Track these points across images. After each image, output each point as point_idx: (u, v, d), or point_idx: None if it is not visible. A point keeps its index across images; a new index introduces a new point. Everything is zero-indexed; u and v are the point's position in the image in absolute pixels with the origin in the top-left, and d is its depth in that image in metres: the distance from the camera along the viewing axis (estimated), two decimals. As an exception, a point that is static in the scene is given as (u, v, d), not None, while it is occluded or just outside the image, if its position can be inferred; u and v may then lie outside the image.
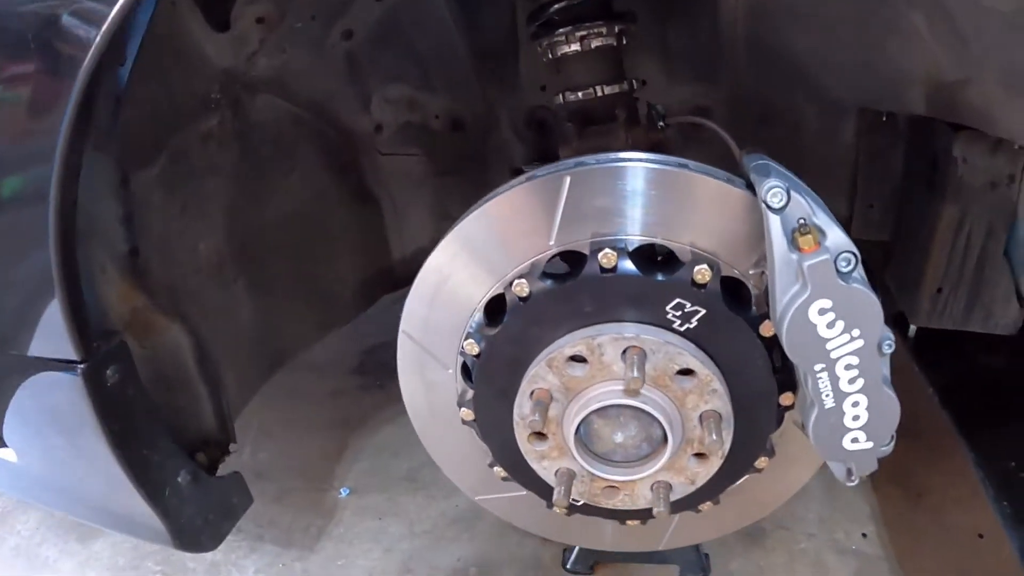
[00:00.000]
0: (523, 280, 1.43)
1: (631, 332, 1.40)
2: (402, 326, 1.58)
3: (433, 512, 2.45)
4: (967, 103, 1.65)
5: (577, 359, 1.43)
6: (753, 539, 2.32)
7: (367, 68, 1.98)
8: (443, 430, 1.67)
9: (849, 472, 1.49)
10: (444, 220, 2.23)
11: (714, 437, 1.41)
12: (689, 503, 1.60)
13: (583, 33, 1.66)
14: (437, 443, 1.70)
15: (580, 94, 1.70)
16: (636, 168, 1.40)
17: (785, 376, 1.47)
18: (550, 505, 1.69)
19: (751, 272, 1.42)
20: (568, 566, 2.27)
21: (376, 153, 2.19)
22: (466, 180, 2.22)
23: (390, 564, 2.29)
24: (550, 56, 1.71)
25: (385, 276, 2.31)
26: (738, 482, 1.61)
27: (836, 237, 1.31)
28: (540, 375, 1.45)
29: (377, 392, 2.87)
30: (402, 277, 2.33)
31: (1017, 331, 1.95)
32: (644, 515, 1.65)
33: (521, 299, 1.45)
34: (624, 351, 1.40)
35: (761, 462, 1.58)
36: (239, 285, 1.92)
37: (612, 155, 1.44)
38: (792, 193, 1.30)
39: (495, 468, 1.66)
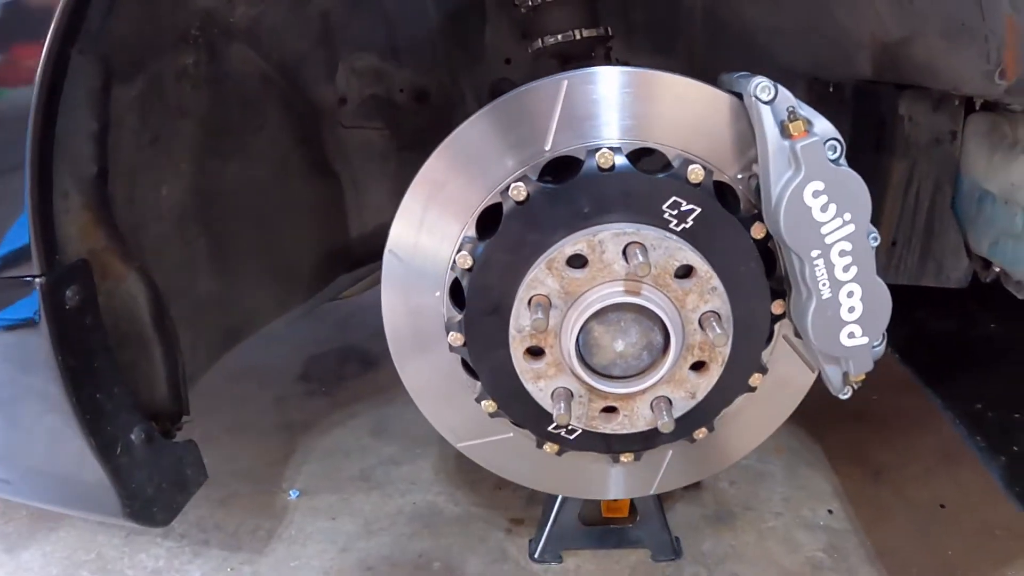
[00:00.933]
0: (520, 183, 1.44)
1: (632, 228, 1.42)
2: (388, 245, 1.54)
3: (390, 510, 2.33)
4: (911, 59, 1.79)
5: (577, 260, 1.43)
6: (721, 521, 2.31)
7: (339, 31, 2.00)
8: (427, 364, 1.62)
9: (845, 376, 1.52)
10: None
11: (718, 330, 1.41)
12: (686, 427, 1.58)
13: (565, -22, 1.75)
14: (419, 379, 1.63)
15: (560, 36, 1.76)
16: (631, 75, 1.45)
17: (775, 284, 1.51)
18: (541, 443, 1.65)
19: (739, 176, 1.47)
20: (536, 556, 2.19)
21: (339, 126, 2.19)
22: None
23: (347, 563, 2.16)
24: (530, 3, 1.78)
25: (343, 254, 2.26)
26: (734, 402, 1.61)
27: (822, 125, 1.38)
28: (539, 279, 1.44)
29: (323, 398, 2.77)
30: (359, 256, 2.28)
31: (967, 284, 2.06)
32: (641, 443, 1.62)
33: (518, 203, 1.45)
34: (625, 247, 1.41)
35: (755, 379, 1.59)
36: (200, 244, 1.85)
37: (608, 65, 1.49)
38: (778, 87, 1.38)
39: (483, 403, 1.60)
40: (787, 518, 2.32)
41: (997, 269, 1.93)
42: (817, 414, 2.45)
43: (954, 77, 1.71)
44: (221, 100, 1.81)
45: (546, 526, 2.18)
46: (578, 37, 1.76)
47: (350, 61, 2.11)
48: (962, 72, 1.67)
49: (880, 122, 2.05)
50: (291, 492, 2.39)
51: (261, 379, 2.88)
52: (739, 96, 1.43)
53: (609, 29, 1.82)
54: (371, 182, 2.24)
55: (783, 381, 1.63)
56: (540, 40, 1.79)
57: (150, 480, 1.63)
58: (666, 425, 1.47)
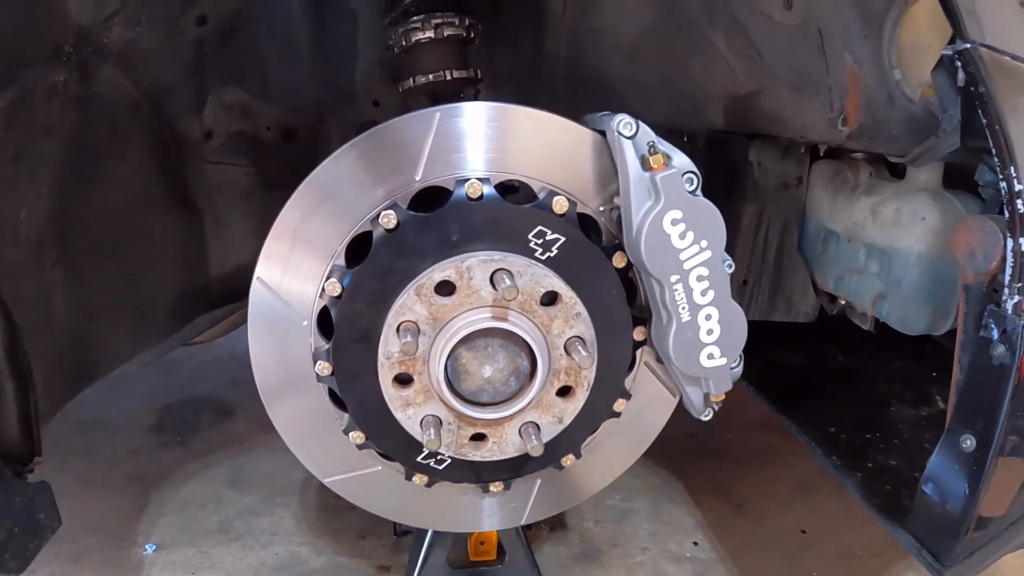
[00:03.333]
0: (390, 211, 1.47)
1: (499, 255, 1.47)
2: (257, 272, 1.53)
3: (252, 562, 2.25)
4: (761, 110, 1.96)
5: (445, 287, 1.47)
6: (589, 559, 2.36)
7: (211, 63, 1.99)
8: (293, 396, 1.60)
9: (706, 398, 1.61)
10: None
11: (584, 353, 1.48)
12: (554, 453, 1.62)
13: (438, 21, 1.82)
14: (286, 412, 1.61)
15: (431, 76, 1.82)
16: (501, 110, 1.52)
17: (637, 312, 1.59)
18: (410, 475, 1.65)
19: (601, 209, 1.56)
20: (407, 598, 2.16)
21: (204, 161, 2.15)
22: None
23: (208, 617, 2.06)
24: (404, 43, 1.84)
25: (201, 293, 2.20)
26: (599, 429, 1.67)
27: (680, 159, 1.49)
28: (408, 305, 1.47)
29: (177, 448, 2.65)
30: (218, 296, 2.23)
31: (815, 318, 2.23)
32: (511, 470, 1.65)
33: (388, 231, 1.48)
34: (492, 274, 1.46)
35: (619, 404, 1.66)
36: (56, 274, 1.77)
37: (479, 101, 1.55)
38: (639, 124, 1.48)
39: (351, 434, 1.60)
40: (654, 552, 2.39)
41: (843, 302, 2.10)
42: (678, 453, 2.57)
43: (800, 126, 1.87)
44: (88, 123, 1.76)
45: (414, 572, 2.16)
46: (448, 78, 1.83)
47: (219, 94, 2.10)
48: (808, 121, 1.84)
49: (731, 169, 2.22)
50: (147, 547, 2.27)
51: (113, 430, 2.74)
52: (602, 133, 1.53)
53: (478, 72, 1.91)
54: (233, 220, 2.20)
55: (645, 407, 1.71)
56: (412, 80, 1.85)
57: (1, 524, 1.54)
58: (536, 448, 1.51)
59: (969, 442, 1.42)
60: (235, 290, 2.28)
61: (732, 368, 1.58)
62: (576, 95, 2.25)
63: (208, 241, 2.19)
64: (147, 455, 2.66)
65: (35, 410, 1.67)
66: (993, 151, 1.32)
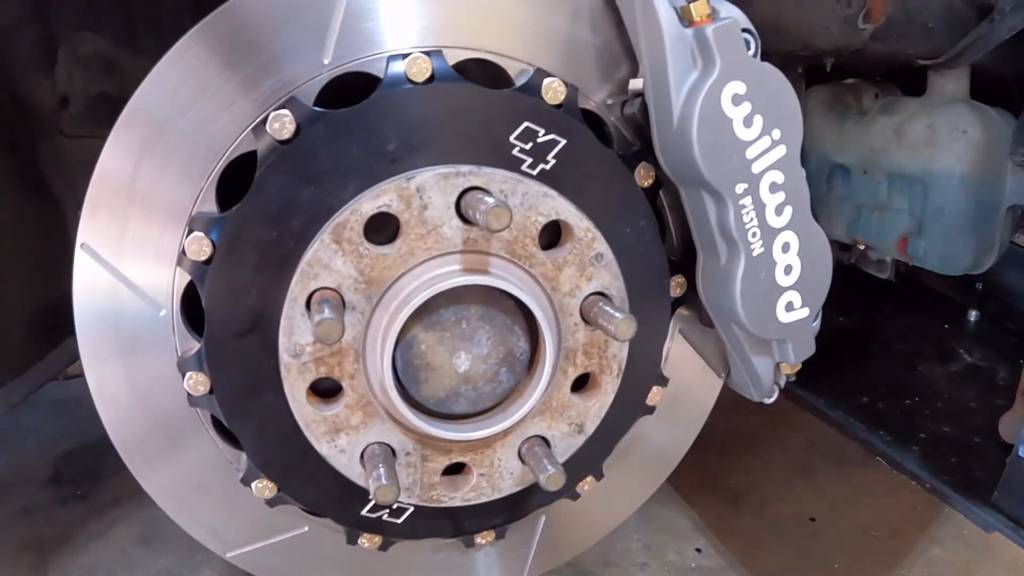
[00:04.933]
0: (284, 112, 0.71)
1: (466, 167, 0.72)
2: (80, 238, 0.75)
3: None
4: (752, 19, 1.28)
5: (383, 224, 0.71)
6: (584, 583, 1.60)
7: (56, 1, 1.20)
8: (160, 432, 0.80)
9: (777, 370, 0.89)
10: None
11: (619, 316, 0.74)
12: (570, 479, 0.86)
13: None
14: (151, 459, 0.81)
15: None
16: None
17: (671, 255, 0.87)
18: (354, 536, 0.87)
19: (609, 103, 0.83)
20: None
21: (59, 136, 1.34)
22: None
23: None
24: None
25: (69, 306, 1.38)
26: (629, 430, 0.92)
27: (731, 10, 0.79)
28: (322, 262, 0.70)
29: (78, 504, 1.79)
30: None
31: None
32: (506, 512, 0.88)
33: (282, 142, 0.71)
34: (460, 197, 0.71)
35: (654, 395, 0.91)
36: None
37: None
38: (665, -41, 0.77)
39: (255, 484, 0.81)
40: (654, 567, 1.65)
41: (862, 247, 1.43)
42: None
43: (806, 32, 1.20)
44: None
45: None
46: None
47: (73, 45, 1.29)
48: (816, 23, 1.17)
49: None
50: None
51: (3, 487, 1.85)
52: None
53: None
54: None
55: (679, 396, 0.98)
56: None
57: None
58: (552, 479, 0.76)
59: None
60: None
61: (815, 320, 0.88)
62: None
63: (72, 237, 1.36)
64: (44, 514, 1.78)
65: None
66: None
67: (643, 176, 0.82)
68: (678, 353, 0.95)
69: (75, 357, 1.49)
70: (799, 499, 1.84)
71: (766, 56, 1.38)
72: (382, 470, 0.72)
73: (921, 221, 1.31)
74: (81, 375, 1.55)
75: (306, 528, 0.88)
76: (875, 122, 1.37)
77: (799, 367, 0.92)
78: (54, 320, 1.37)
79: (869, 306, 1.75)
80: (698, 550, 1.72)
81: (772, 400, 0.94)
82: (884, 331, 1.66)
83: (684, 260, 0.87)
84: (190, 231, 0.73)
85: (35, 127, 1.34)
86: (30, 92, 1.32)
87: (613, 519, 1.04)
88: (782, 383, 0.93)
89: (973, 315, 1.68)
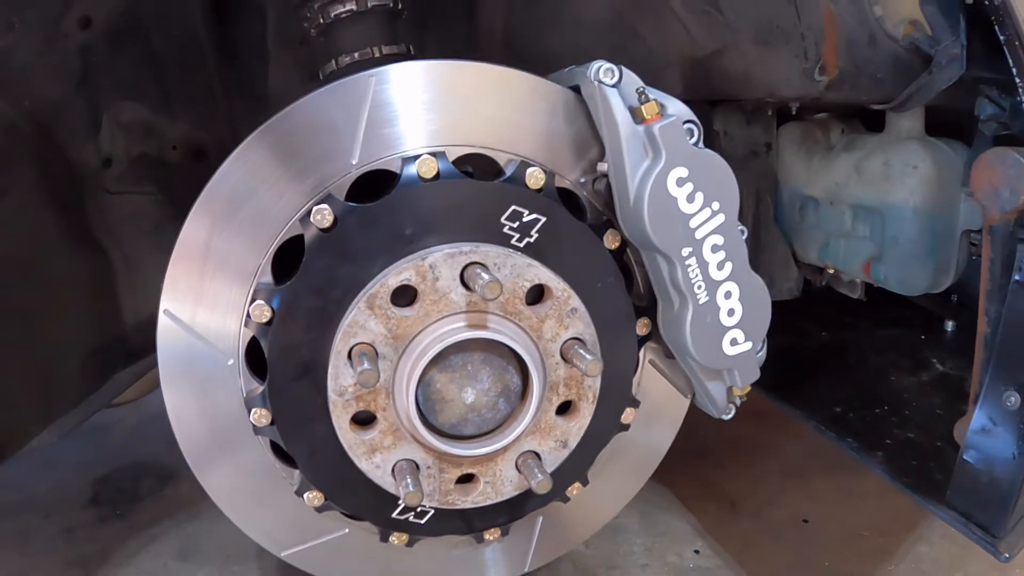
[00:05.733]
0: (324, 206, 1.02)
1: (468, 246, 1.03)
2: (163, 304, 1.06)
3: (215, 645, 1.73)
4: (724, 72, 1.57)
5: (405, 294, 1.02)
6: (588, 585, 1.90)
7: (102, 72, 1.50)
8: (229, 457, 1.12)
9: (730, 393, 1.19)
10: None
11: (588, 358, 1.04)
12: (559, 484, 1.17)
13: (360, -9, 1.36)
14: (223, 479, 1.13)
15: (357, 54, 1.37)
16: (454, 68, 1.08)
17: (637, 302, 1.17)
18: (386, 535, 1.18)
19: (582, 181, 1.13)
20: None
21: (104, 193, 1.65)
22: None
23: None
24: (322, 21, 1.38)
25: (117, 346, 1.69)
26: (607, 445, 1.23)
27: (676, 106, 1.09)
28: (359, 323, 1.01)
29: (117, 523, 2.10)
30: (137, 346, 1.71)
31: (800, 294, 1.85)
32: (507, 513, 1.19)
33: (323, 231, 1.02)
34: (463, 270, 1.02)
35: (627, 415, 1.22)
36: None
37: (420, 60, 1.11)
38: (622, 69, 1.07)
39: (306, 495, 1.13)
40: (655, 568, 1.95)
41: (831, 271, 1.72)
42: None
43: (771, 82, 1.50)
44: None
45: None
46: (377, 55, 1.37)
47: (115, 112, 1.60)
48: (779, 76, 1.47)
49: (694, 142, 1.82)
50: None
51: (45, 510, 2.17)
52: (575, 90, 1.10)
53: (411, 48, 1.46)
54: (145, 257, 1.69)
55: (652, 414, 1.28)
56: (334, 62, 1.39)
57: None
58: (542, 484, 1.07)
59: (1014, 399, 1.18)
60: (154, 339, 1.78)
61: (758, 351, 1.17)
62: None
63: (118, 284, 1.67)
64: (85, 534, 2.10)
65: None
66: (1014, 70, 1.09)
67: (611, 240, 1.13)
68: (650, 378, 1.25)
69: (121, 389, 1.82)
70: (793, 503, 2.14)
71: (738, 102, 1.68)
72: (409, 480, 1.03)
73: (882, 247, 1.60)
74: (126, 403, 1.87)
75: (347, 530, 1.19)
76: (838, 158, 1.65)
77: (748, 389, 1.21)
78: (104, 359, 1.70)
79: (848, 321, 2.03)
80: (696, 552, 2.01)
81: (730, 416, 1.23)
82: (862, 344, 1.94)
83: (649, 305, 1.17)
84: (253, 299, 1.04)
85: (82, 186, 1.64)
86: (77, 154, 1.62)
87: (602, 517, 1.36)
88: (737, 403, 1.23)
89: (950, 325, 1.96)
